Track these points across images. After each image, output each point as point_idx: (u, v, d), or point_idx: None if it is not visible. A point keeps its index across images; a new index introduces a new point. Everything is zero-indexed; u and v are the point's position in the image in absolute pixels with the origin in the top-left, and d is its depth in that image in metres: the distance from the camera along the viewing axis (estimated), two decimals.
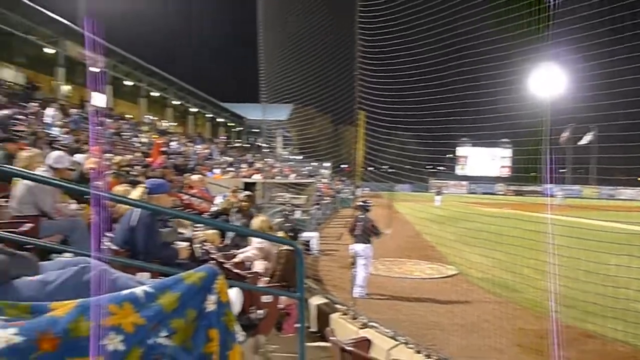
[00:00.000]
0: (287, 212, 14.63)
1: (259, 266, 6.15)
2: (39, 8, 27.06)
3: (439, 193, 31.10)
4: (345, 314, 7.28)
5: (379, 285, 9.86)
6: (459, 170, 62.98)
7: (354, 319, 7.06)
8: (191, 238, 5.81)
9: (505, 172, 60.84)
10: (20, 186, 5.10)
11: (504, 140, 57.34)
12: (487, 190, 53.30)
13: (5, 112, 13.19)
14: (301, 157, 25.99)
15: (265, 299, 4.90)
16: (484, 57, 8.32)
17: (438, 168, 51.98)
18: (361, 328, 6.71)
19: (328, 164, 32.72)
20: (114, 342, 1.70)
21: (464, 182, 58.50)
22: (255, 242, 6.52)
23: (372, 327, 6.72)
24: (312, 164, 30.03)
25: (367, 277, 9.35)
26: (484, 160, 63.23)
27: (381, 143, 11.54)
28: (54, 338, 1.58)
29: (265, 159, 27.79)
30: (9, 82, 25.99)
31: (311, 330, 6.83)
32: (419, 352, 5.88)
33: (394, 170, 13.91)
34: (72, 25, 27.91)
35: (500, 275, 8.21)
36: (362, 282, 9.13)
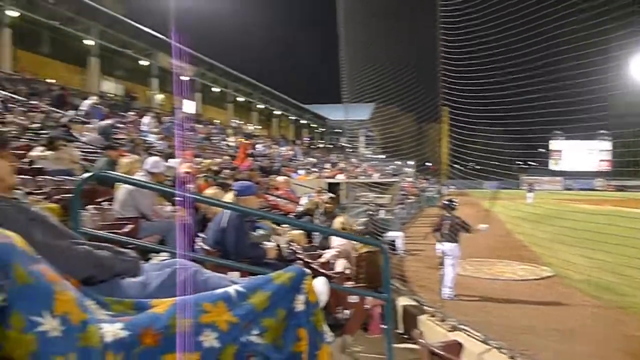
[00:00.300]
0: (371, 212, 14.57)
1: (339, 266, 6.16)
2: (134, 23, 29.04)
3: (531, 190, 29.57)
4: (433, 316, 7.10)
5: (468, 287, 9.54)
6: (552, 166, 59.54)
7: (443, 321, 6.87)
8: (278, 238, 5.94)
9: (605, 167, 56.70)
10: (121, 190, 5.48)
11: (601, 132, 53.54)
12: (584, 186, 50.04)
13: (108, 121, 14.24)
14: (384, 156, 25.77)
15: (352, 299, 4.90)
16: (579, 43, 7.78)
17: (529, 163, 49.48)
18: (450, 331, 6.52)
19: (412, 163, 32.19)
20: (209, 339, 1.77)
21: (558, 178, 55.18)
22: (335, 243, 6.54)
23: (462, 330, 6.50)
24: (395, 162, 29.69)
25: (455, 278, 9.08)
26: (580, 154, 59.35)
27: (467, 139, 11.18)
28: (155, 334, 1.67)
29: (348, 159, 27.88)
30: (110, 94, 28.04)
31: (397, 331, 6.74)
32: (512, 357, 5.61)
33: (481, 167, 13.42)
34: (164, 38, 29.62)
35: (602, 277, 7.65)
36: (449, 283, 8.89)
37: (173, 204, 5.81)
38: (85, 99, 19.35)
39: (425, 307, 7.53)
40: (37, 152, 7.85)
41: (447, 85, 9.82)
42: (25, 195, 3.99)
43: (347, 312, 4.84)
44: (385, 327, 3.84)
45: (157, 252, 4.37)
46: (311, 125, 57.17)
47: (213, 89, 39.37)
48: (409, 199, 23.81)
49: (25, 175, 6.26)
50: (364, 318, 5.16)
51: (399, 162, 30.43)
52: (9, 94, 16.12)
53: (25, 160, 7.56)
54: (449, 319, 6.89)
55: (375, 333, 5.16)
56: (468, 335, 6.31)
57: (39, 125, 12.12)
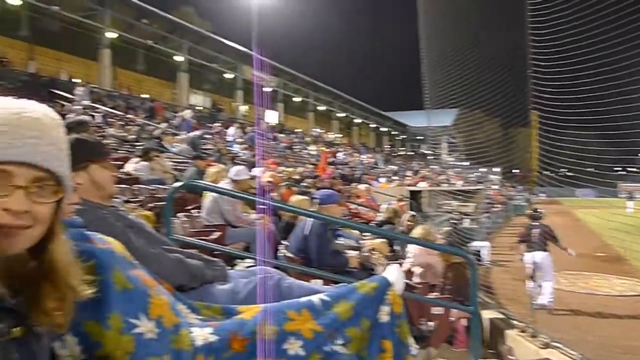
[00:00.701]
0: (454, 221, 14.16)
1: (422, 276, 6.01)
2: (220, 39, 30.42)
3: (631, 198, 27.40)
4: (523, 331, 6.74)
5: (561, 301, 8.99)
6: None
7: (534, 337, 6.50)
8: (360, 247, 5.91)
9: None
10: (208, 198, 5.71)
11: None
12: None
13: (196, 133, 14.94)
14: (468, 163, 25.01)
15: (436, 311, 4.76)
16: None
17: (628, 170, 45.90)
18: (542, 348, 6.15)
19: (497, 170, 30.97)
20: (294, 347, 1.77)
21: None
22: (411, 252, 6.39)
23: (555, 347, 6.12)
24: (480, 169, 28.73)
25: (551, 286, 8.60)
26: None
27: (558, 144, 10.56)
28: (243, 339, 1.70)
29: (431, 166, 27.34)
30: (198, 106, 29.48)
31: (484, 345, 6.47)
32: None
33: (574, 174, 12.63)
34: (248, 51, 30.76)
35: None
36: (548, 291, 8.42)
37: (257, 212, 5.96)
38: (176, 112, 20.48)
39: (514, 322, 7.18)
40: (132, 162, 8.38)
41: (537, 87, 9.33)
42: (122, 203, 4.27)
43: (430, 324, 4.71)
44: (471, 341, 3.69)
45: (242, 258, 4.50)
46: (392, 132, 56.76)
47: (294, 99, 40.24)
48: (494, 207, 22.89)
49: (122, 184, 6.70)
50: (449, 331, 5.00)
51: (484, 169, 29.39)
52: (109, 109, 17.40)
53: (123, 170, 8.10)
54: (541, 335, 6.52)
55: (461, 347, 4.98)
56: (562, 353, 5.93)
57: (134, 137, 12.98)
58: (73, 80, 19.88)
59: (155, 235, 2.24)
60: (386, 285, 2.04)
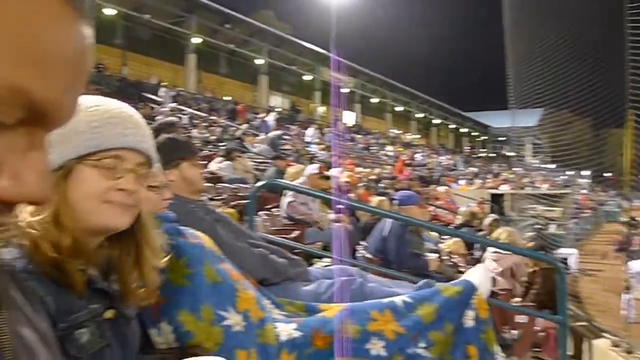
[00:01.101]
0: (539, 226, 13.50)
1: (505, 282, 5.77)
2: (299, 41, 30.97)
3: None
4: (617, 346, 6.31)
5: None
6: None
7: (630, 352, 6.06)
8: (439, 250, 5.79)
9: None
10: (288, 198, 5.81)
11: None
12: None
13: (276, 133, 15.29)
14: (554, 166, 23.74)
15: (520, 319, 4.56)
16: None
17: None
18: None
19: (587, 173, 29.17)
20: (377, 347, 1.76)
21: None
22: (488, 258, 6.14)
23: None
24: (567, 172, 27.18)
25: None
26: None
27: None
28: (325, 336, 1.71)
29: (513, 169, 26.23)
30: (277, 108, 30.19)
31: (569, 354, 6.11)
32: None
33: None
34: (326, 53, 31.08)
35: None
36: None
37: (335, 212, 5.99)
38: (256, 113, 21.07)
39: (605, 335, 6.73)
40: (216, 162, 8.71)
41: (637, 85, 8.68)
42: (207, 200, 4.45)
43: (514, 332, 4.51)
44: (559, 352, 3.50)
45: (321, 257, 4.54)
46: (472, 133, 55.08)
47: (372, 100, 40.13)
48: (583, 212, 21.57)
49: (206, 183, 6.99)
50: (534, 340, 4.77)
51: (571, 172, 27.77)
52: (194, 111, 18.23)
53: (207, 169, 8.44)
54: (638, 351, 6.06)
55: (548, 357, 4.74)
56: None
57: (217, 138, 13.50)
58: (161, 84, 21.04)
59: (241, 230, 2.32)
60: (471, 289, 1.98)
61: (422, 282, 2.41)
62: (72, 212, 0.98)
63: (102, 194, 1.00)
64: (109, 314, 1.04)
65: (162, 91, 18.62)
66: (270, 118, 18.54)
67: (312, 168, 5.90)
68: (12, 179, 0.36)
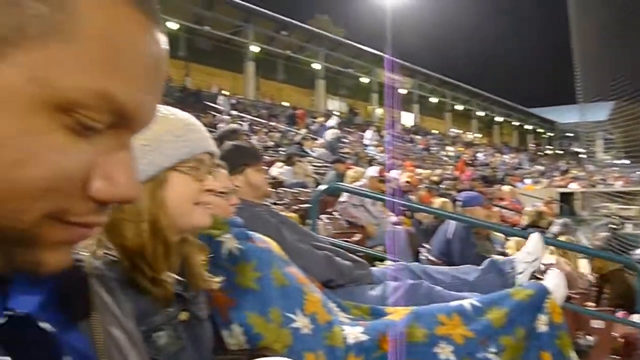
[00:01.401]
0: (614, 226, 12.78)
1: (580, 284, 5.50)
2: (355, 44, 31.01)
3: None
4: None
5: None
6: None
7: None
8: (505, 252, 5.61)
9: None
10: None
11: None
12: None
13: (334, 132, 15.32)
14: (628, 162, 22.41)
15: (596, 324, 4.33)
16: None
17: None
18: None
19: None
20: (445, 352, 1.74)
21: None
22: (546, 259, 5.84)
23: None
24: None
25: None
26: None
27: None
28: (393, 340, 1.70)
29: (583, 166, 25.01)
30: (335, 111, 30.31)
31: None
32: None
33: None
34: (382, 54, 30.92)
35: None
36: None
37: (396, 214, 5.95)
38: (314, 117, 21.26)
39: None
40: (276, 167, 8.86)
41: None
42: (270, 205, 4.53)
43: (590, 338, 4.30)
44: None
45: (383, 260, 4.51)
46: (537, 130, 52.97)
47: (430, 99, 39.49)
48: None
49: (269, 188, 7.12)
50: (613, 346, 4.51)
51: None
52: (253, 118, 18.63)
53: (268, 174, 8.60)
54: None
55: None
56: None
57: (277, 143, 13.72)
58: (221, 92, 21.67)
59: (305, 232, 2.36)
60: (544, 292, 1.91)
61: (487, 261, 2.36)
62: (169, 218, 1.04)
63: (195, 197, 1.08)
64: (183, 316, 1.09)
65: (220, 99, 19.24)
66: (332, 122, 18.67)
67: (373, 171, 5.89)
68: (105, 180, 0.40)
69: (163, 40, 0.43)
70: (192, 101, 19.11)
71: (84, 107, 0.37)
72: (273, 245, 1.71)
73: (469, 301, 1.86)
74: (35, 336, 0.43)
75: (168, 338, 1.03)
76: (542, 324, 1.85)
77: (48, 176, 0.37)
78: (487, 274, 2.49)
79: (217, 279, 1.21)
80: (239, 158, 2.21)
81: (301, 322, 1.54)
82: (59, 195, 0.38)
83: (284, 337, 1.48)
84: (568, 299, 4.50)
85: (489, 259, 2.65)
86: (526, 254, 2.60)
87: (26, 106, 0.36)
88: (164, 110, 1.11)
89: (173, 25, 23.81)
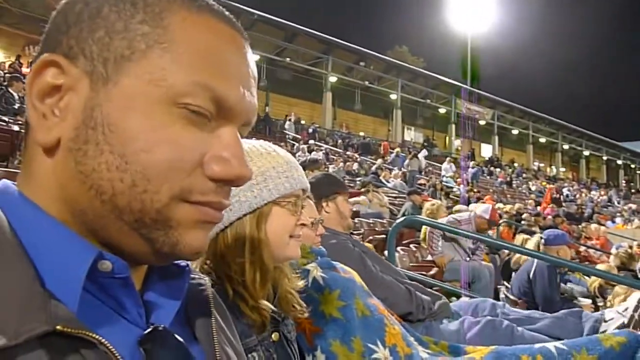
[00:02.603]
0: None
1: None
2: (433, 74, 30.82)
3: None
4: None
5: None
6: None
7: None
8: (593, 295, 5.28)
9: None
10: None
11: None
12: None
13: (418, 163, 15.16)
14: None
15: None
16: None
17: None
18: None
19: None
20: None
21: None
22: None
23: None
24: None
25: None
26: None
27: None
28: None
29: None
30: (412, 142, 30.15)
31: None
32: None
33: None
34: (461, 85, 30.50)
35: None
36: None
37: (476, 249, 5.79)
38: (392, 148, 21.25)
39: None
40: (354, 197, 8.92)
41: None
42: (352, 234, 4.58)
43: None
44: None
45: (459, 296, 4.40)
46: (629, 165, 49.57)
47: (512, 131, 38.23)
48: None
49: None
50: None
51: None
52: (330, 147, 18.92)
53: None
54: None
55: None
56: None
57: (353, 172, 13.83)
58: (289, 118, 22.34)
59: (386, 264, 2.38)
60: (637, 341, 1.81)
61: (564, 311, 2.26)
62: (269, 249, 1.13)
63: (291, 230, 1.16)
64: (274, 336, 1.16)
65: (287, 124, 20.14)
66: (421, 155, 18.64)
67: (483, 210, 5.68)
68: (218, 161, 0.49)
69: (250, 51, 0.55)
70: (274, 130, 19.81)
71: (191, 96, 0.46)
72: (355, 275, 1.76)
73: (554, 344, 1.80)
74: (172, 348, 0.50)
75: (261, 358, 1.10)
76: None
77: (170, 158, 0.46)
78: (567, 318, 2.39)
79: (307, 308, 1.26)
80: (330, 186, 2.30)
81: (382, 353, 1.56)
82: (181, 176, 0.47)
83: None
84: None
85: (569, 310, 2.53)
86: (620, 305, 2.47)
87: (149, 105, 0.46)
88: (268, 147, 1.21)
89: (255, 56, 24.84)
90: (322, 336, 1.52)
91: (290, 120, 22.08)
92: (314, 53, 26.49)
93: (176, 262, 0.56)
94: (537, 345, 1.82)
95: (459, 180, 17.53)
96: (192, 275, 0.60)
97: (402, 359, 1.63)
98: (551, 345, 1.81)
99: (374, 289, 1.82)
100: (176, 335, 0.51)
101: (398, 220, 3.67)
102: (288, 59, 25.69)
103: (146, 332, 0.49)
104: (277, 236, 1.14)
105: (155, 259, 0.49)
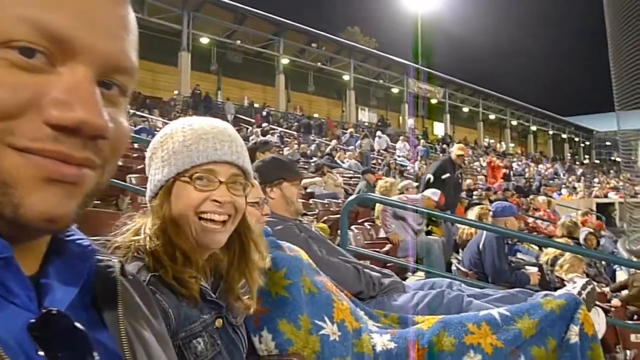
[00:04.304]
0: None
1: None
2: (385, 54, 31.02)
3: None
4: None
5: None
6: None
7: None
8: (541, 263, 5.50)
9: None
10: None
11: None
12: None
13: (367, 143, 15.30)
14: None
15: (636, 338, 4.20)
16: None
17: None
18: None
19: None
20: None
21: None
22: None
23: None
24: None
25: None
26: None
27: None
28: (420, 349, 1.71)
29: (623, 175, 24.25)
30: (365, 122, 30.34)
31: None
32: None
33: None
34: (412, 64, 30.83)
35: None
36: None
37: (428, 225, 5.91)
38: (345, 129, 21.32)
39: None
40: (308, 178, 8.92)
41: None
42: (300, 219, 4.57)
43: (629, 352, 4.17)
44: None
45: (414, 271, 4.49)
46: (574, 139, 51.66)
47: (463, 109, 39.06)
48: None
49: (300, 199, 7.17)
50: None
51: None
52: (284, 129, 18.82)
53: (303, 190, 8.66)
54: None
55: None
56: None
57: (308, 154, 13.81)
58: (255, 104, 22.04)
59: (333, 247, 2.38)
60: (576, 303, 1.89)
61: (516, 289, 2.33)
62: (176, 227, 1.09)
63: (196, 206, 1.09)
64: (218, 323, 1.14)
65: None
66: (383, 135, 18.80)
67: (432, 193, 5.79)
68: (58, 106, 0.42)
69: None
70: (215, 113, 19.53)
71: (17, 33, 0.41)
72: (301, 253, 1.75)
73: (498, 310, 1.86)
74: (68, 333, 0.45)
75: (205, 344, 1.08)
76: (573, 335, 1.82)
77: None
78: (517, 295, 2.45)
79: (254, 306, 1.22)
80: (276, 171, 2.22)
81: (330, 329, 1.57)
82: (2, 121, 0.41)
83: (312, 344, 1.51)
84: (606, 312, 4.38)
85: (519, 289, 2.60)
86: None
87: None
88: (187, 122, 1.16)
89: (205, 40, 24.27)
90: (269, 316, 1.51)
91: (228, 99, 22.12)
92: (265, 35, 26.11)
93: (78, 241, 0.52)
94: (481, 313, 1.86)
95: (412, 159, 17.80)
96: (99, 257, 0.56)
97: (351, 334, 1.64)
98: (495, 312, 1.86)
99: (323, 271, 1.82)
100: (73, 320, 0.46)
101: (350, 198, 3.68)
102: (239, 41, 25.22)
103: (36, 317, 0.44)
104: (180, 214, 1.09)
105: (7, 228, 0.43)
